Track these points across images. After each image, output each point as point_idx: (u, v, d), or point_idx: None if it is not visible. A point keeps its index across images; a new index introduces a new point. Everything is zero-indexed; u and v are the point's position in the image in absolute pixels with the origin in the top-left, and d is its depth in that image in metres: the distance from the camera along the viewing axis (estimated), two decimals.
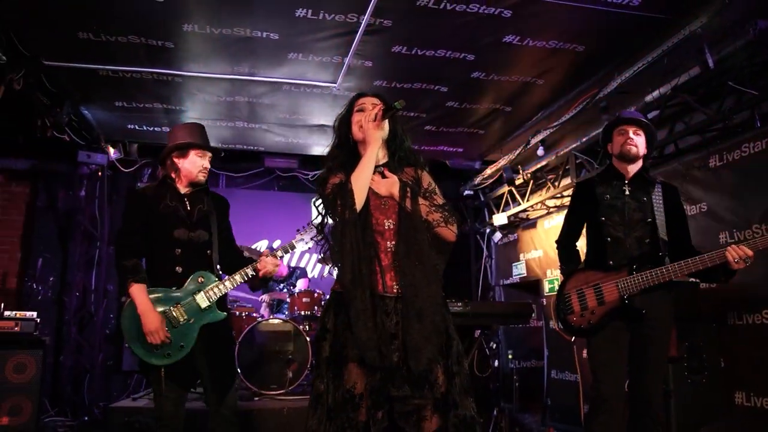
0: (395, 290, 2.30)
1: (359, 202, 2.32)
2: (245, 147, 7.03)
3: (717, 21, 4.05)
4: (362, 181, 2.34)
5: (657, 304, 3.12)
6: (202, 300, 3.07)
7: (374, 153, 2.40)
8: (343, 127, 2.57)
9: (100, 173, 7.16)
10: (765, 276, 4.11)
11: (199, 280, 3.11)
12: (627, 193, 3.28)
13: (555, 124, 5.71)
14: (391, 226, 2.40)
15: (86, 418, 6.46)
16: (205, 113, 6.09)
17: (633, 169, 3.31)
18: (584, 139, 5.91)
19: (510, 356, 6.37)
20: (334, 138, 2.62)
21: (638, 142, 3.28)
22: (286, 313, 6.24)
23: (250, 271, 3.20)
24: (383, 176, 2.45)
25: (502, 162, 7.10)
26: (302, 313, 6.10)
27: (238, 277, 3.19)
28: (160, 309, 3.01)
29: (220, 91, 5.57)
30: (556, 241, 3.61)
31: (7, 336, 4.97)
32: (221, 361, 3.17)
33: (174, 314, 3.03)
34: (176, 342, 3.01)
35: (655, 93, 4.83)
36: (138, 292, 2.99)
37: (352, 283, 2.23)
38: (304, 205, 8.09)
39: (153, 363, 3.00)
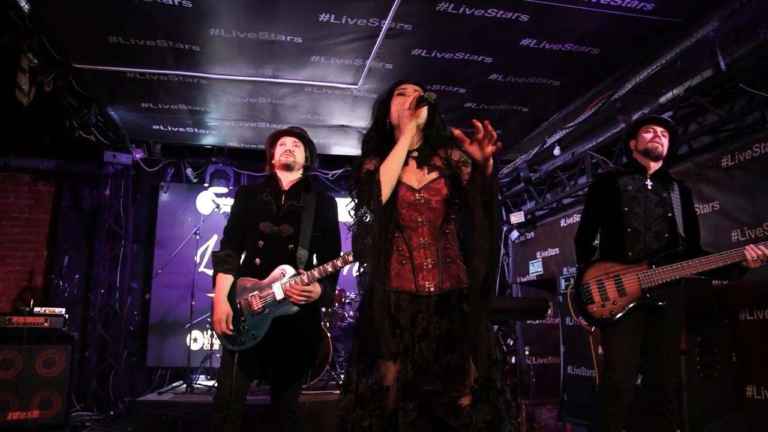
0: (428, 289, 2.33)
1: (386, 193, 2.29)
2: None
3: (729, 24, 4.16)
4: (391, 171, 2.31)
5: (674, 297, 3.20)
6: (278, 292, 3.13)
7: (407, 143, 2.37)
8: (381, 110, 2.55)
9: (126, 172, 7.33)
10: None
11: (281, 273, 3.17)
12: (649, 187, 3.35)
13: (571, 124, 5.82)
14: (425, 222, 2.39)
15: (112, 413, 6.63)
16: (228, 114, 6.26)
17: (655, 166, 3.40)
18: (600, 139, 6.01)
19: (527, 352, 6.49)
20: (371, 119, 2.61)
21: (664, 142, 3.38)
22: None
23: (330, 268, 3.17)
24: (418, 165, 2.44)
25: (519, 161, 7.23)
26: (323, 309, 6.24)
27: (316, 273, 3.16)
28: (242, 296, 3.16)
29: (243, 93, 5.73)
30: (575, 239, 3.64)
31: (38, 332, 5.09)
32: (287, 356, 3.17)
33: (250, 303, 3.14)
34: (249, 330, 3.13)
35: (669, 94, 4.94)
36: (220, 281, 3.17)
37: (374, 276, 2.25)
38: None
39: (229, 348, 3.14)
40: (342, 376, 5.89)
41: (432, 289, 2.34)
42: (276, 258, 3.20)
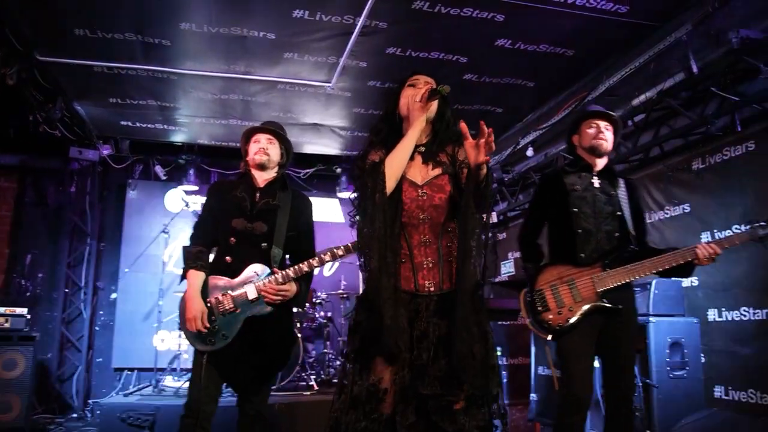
0: (428, 289, 2.28)
1: (390, 185, 2.24)
2: (238, 145, 7.04)
3: (701, 29, 4.19)
4: (396, 164, 2.26)
5: (627, 299, 3.13)
6: (251, 291, 3.04)
7: (414, 136, 2.32)
8: (391, 101, 2.49)
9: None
10: (744, 274, 4.28)
11: (254, 272, 3.09)
12: (596, 185, 3.21)
13: (544, 125, 5.83)
14: (427, 220, 2.33)
15: (75, 416, 6.48)
16: (198, 111, 6.15)
17: (601, 162, 3.26)
18: None
19: (499, 353, 6.49)
20: (382, 110, 2.55)
21: (608, 137, 3.23)
22: None
23: (306, 268, 3.11)
24: (424, 160, 2.38)
25: (492, 162, 7.22)
26: (294, 310, 6.15)
27: (291, 272, 3.09)
28: (213, 295, 3.07)
29: (214, 89, 5.63)
30: (519, 238, 3.50)
31: None
32: (259, 357, 3.07)
33: (221, 302, 3.05)
34: (220, 330, 3.03)
35: (642, 97, 4.97)
36: (192, 278, 3.06)
37: (379, 271, 2.17)
38: None
39: (198, 348, 3.04)
40: (312, 377, 5.88)
41: (432, 289, 2.29)
42: (248, 256, 3.12)
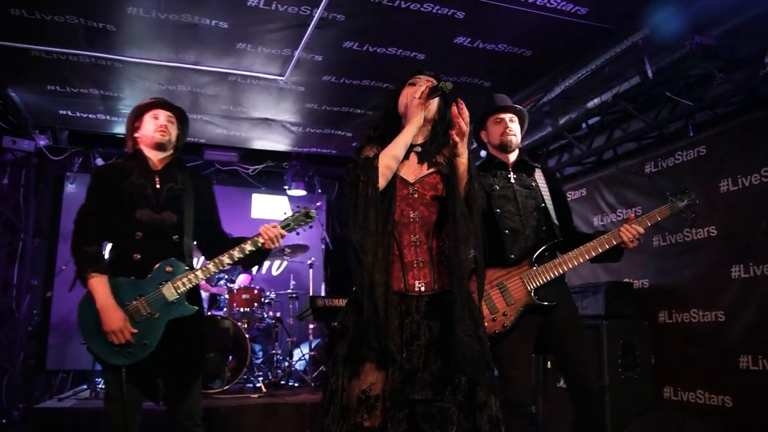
0: (418, 289, 2.20)
1: (383, 180, 2.18)
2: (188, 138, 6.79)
3: (658, 34, 4.24)
4: (390, 159, 2.21)
5: (561, 293, 3.02)
6: (169, 292, 2.73)
7: (411, 132, 2.27)
8: (391, 98, 2.44)
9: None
10: (694, 277, 4.35)
11: (167, 269, 2.76)
12: (513, 181, 3.12)
13: None
14: (417, 219, 2.26)
15: (4, 421, 6.10)
16: (141, 101, 5.87)
17: (513, 156, 3.19)
18: (526, 143, 6.04)
19: None
20: (382, 107, 2.50)
21: (516, 131, 3.15)
22: (225, 309, 6.10)
23: (249, 247, 2.85)
24: (419, 160, 2.33)
25: None
26: (241, 309, 5.97)
27: (226, 259, 2.83)
28: (124, 301, 2.71)
29: (161, 79, 5.38)
30: None
31: None
32: (186, 362, 2.81)
33: (136, 308, 2.71)
34: (139, 339, 2.68)
35: (597, 100, 5.01)
36: (99, 284, 2.67)
37: (373, 268, 2.08)
38: (244, 200, 7.95)
39: (112, 362, 2.67)
40: (260, 379, 5.70)
41: (423, 289, 2.20)
42: (160, 252, 2.78)
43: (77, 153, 7.19)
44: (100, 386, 5.50)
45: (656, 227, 4.59)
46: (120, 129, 6.72)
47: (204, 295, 6.33)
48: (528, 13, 4.19)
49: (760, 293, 3.91)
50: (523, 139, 5.96)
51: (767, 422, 3.77)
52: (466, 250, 2.15)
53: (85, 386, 5.92)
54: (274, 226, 2.92)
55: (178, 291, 2.76)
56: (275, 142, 7.06)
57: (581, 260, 2.97)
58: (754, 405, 3.87)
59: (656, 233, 4.67)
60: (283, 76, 5.25)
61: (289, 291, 6.70)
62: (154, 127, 2.90)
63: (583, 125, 5.27)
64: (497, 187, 3.09)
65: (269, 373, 6.17)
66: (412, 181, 2.29)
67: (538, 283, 2.96)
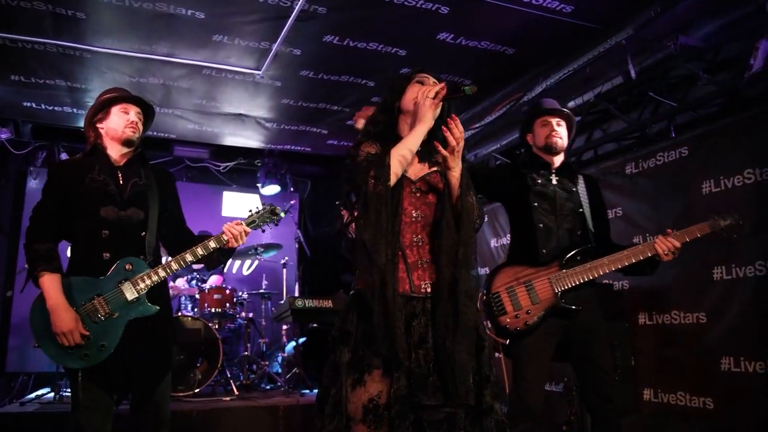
0: (423, 290, 2.14)
1: (395, 178, 2.11)
2: (154, 133, 6.59)
3: (642, 34, 4.22)
4: (402, 157, 2.13)
5: (588, 299, 3.01)
6: (128, 291, 2.61)
7: (423, 132, 2.18)
8: (394, 94, 2.35)
9: None
10: (675, 278, 4.34)
11: (127, 267, 2.64)
12: (555, 182, 3.15)
13: (478, 125, 5.77)
14: (420, 218, 2.22)
15: None
16: None
17: (558, 159, 3.20)
18: (505, 141, 6.01)
19: None
20: (380, 101, 2.42)
21: (563, 134, 3.17)
22: (195, 309, 5.92)
23: (212, 244, 2.76)
24: (420, 159, 2.28)
25: None
26: (212, 310, 5.80)
27: (189, 257, 2.74)
28: (78, 301, 2.58)
29: (132, 71, 5.18)
30: None
31: None
32: (152, 364, 2.71)
33: (94, 307, 2.58)
34: (96, 341, 2.55)
35: (579, 99, 4.98)
36: (50, 283, 2.54)
37: (386, 267, 2.01)
38: (215, 198, 7.78)
39: (68, 366, 2.56)
40: (232, 381, 5.54)
41: (428, 291, 2.14)
42: (125, 249, 2.67)
43: (41, 147, 6.92)
44: (64, 390, 5.29)
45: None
46: (82, 123, 6.46)
47: (173, 293, 6.12)
48: (513, 10, 4.15)
49: (742, 295, 3.91)
50: (502, 137, 6.04)
51: (749, 424, 3.77)
52: (448, 261, 2.11)
53: (49, 389, 5.67)
54: (239, 224, 2.85)
55: (138, 290, 2.64)
56: (248, 138, 6.90)
57: (612, 268, 2.96)
58: (736, 407, 3.87)
59: (636, 234, 4.65)
60: (260, 70, 5.12)
61: (262, 290, 6.55)
62: (124, 122, 2.78)
63: None
64: (538, 182, 3.12)
65: (241, 375, 6.02)
66: (414, 180, 2.25)
67: (566, 286, 2.94)
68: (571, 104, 5.07)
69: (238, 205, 7.88)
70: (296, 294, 6.64)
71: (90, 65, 5.05)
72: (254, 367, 6.23)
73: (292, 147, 7.24)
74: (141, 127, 2.86)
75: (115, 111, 2.80)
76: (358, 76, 5.26)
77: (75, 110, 6.06)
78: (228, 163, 7.71)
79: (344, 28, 4.47)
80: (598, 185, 3.30)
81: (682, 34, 4.12)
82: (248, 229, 2.87)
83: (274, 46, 4.69)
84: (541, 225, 3.05)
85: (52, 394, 5.35)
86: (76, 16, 4.27)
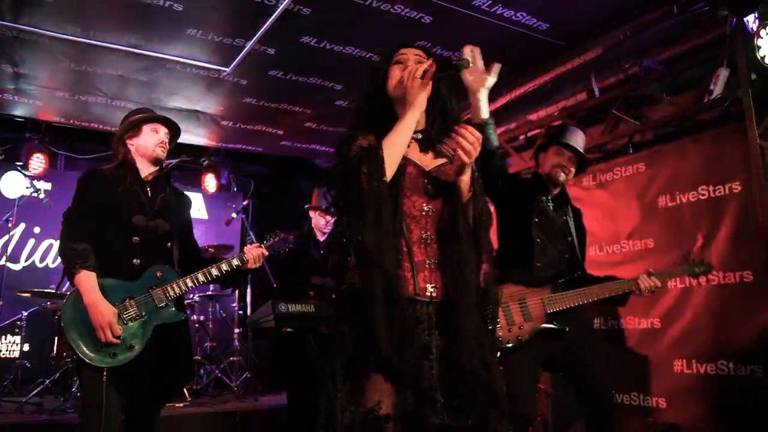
0: (430, 294, 1.94)
1: (390, 171, 1.91)
2: (100, 126, 6.27)
3: (607, 55, 4.47)
4: (397, 147, 1.93)
5: (575, 320, 3.13)
6: (158, 297, 2.72)
7: (415, 117, 1.97)
8: (377, 78, 2.11)
9: None
10: None
11: (158, 274, 2.76)
12: (551, 207, 3.26)
13: None
14: (431, 213, 2.01)
15: None
16: (61, 83, 5.36)
17: (555, 190, 3.29)
18: None
19: None
20: (365, 88, 2.17)
21: (571, 171, 3.24)
22: None
23: (235, 262, 2.91)
24: (422, 148, 2.07)
25: None
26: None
27: (214, 271, 2.87)
28: (111, 301, 2.61)
29: (88, 60, 4.91)
30: None
31: None
32: (175, 369, 2.83)
33: (125, 308, 2.65)
34: (126, 341, 2.61)
35: (541, 113, 5.19)
36: (87, 280, 2.59)
37: (386, 271, 1.82)
38: None
39: (95, 364, 2.54)
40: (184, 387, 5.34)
41: (434, 294, 1.94)
42: (154, 257, 2.81)
43: None
44: (3, 399, 4.93)
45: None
46: (20, 111, 6.09)
47: None
48: (492, 24, 4.29)
49: (694, 302, 4.21)
50: None
51: (698, 421, 4.08)
52: (469, 271, 1.95)
53: None
54: (258, 246, 3.05)
55: (168, 296, 2.76)
56: (199, 136, 6.71)
57: (600, 297, 3.12)
58: (687, 405, 4.16)
59: (592, 244, 4.89)
60: (227, 67, 5.01)
61: (210, 293, 6.37)
62: (155, 141, 2.93)
63: (521, 137, 5.44)
64: (542, 200, 3.22)
65: (192, 380, 5.81)
66: (428, 170, 2.04)
67: (557, 308, 3.05)
68: (532, 117, 5.28)
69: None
70: (247, 296, 6.51)
71: (45, 52, 4.76)
72: (201, 371, 6.04)
73: (244, 146, 7.11)
74: (168, 146, 3.02)
75: (146, 130, 2.94)
76: (327, 79, 5.25)
77: (16, 98, 5.69)
78: (171, 161, 7.42)
79: (324, 30, 4.46)
80: (581, 216, 3.45)
81: (646, 57, 4.40)
82: (266, 252, 3.06)
83: (249, 44, 4.61)
84: (538, 240, 3.15)
85: None
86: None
